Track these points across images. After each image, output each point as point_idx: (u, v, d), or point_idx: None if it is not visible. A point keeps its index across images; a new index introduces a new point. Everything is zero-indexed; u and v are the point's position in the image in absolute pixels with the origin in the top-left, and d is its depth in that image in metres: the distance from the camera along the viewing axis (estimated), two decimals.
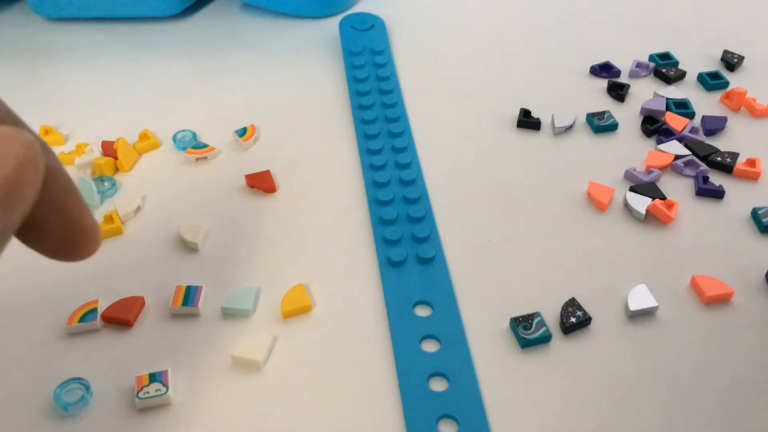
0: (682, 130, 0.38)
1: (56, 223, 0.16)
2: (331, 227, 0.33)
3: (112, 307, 0.29)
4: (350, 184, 0.36)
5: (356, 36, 0.47)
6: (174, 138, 0.38)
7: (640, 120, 0.40)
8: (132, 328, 0.29)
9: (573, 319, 0.28)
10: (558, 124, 0.39)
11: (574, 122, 0.39)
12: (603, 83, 0.43)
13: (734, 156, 0.36)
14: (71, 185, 0.16)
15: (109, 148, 0.37)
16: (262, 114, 0.41)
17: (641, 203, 0.34)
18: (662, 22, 0.49)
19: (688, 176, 0.36)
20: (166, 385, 0.26)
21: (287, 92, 0.43)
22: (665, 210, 0.33)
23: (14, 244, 0.17)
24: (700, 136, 0.38)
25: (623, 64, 0.44)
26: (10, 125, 0.15)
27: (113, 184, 0.36)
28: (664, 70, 0.43)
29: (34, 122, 0.39)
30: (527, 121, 0.39)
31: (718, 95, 0.42)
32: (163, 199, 0.35)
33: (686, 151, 0.37)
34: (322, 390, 0.27)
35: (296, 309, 0.29)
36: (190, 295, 0.29)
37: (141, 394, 0.26)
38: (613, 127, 0.39)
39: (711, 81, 0.42)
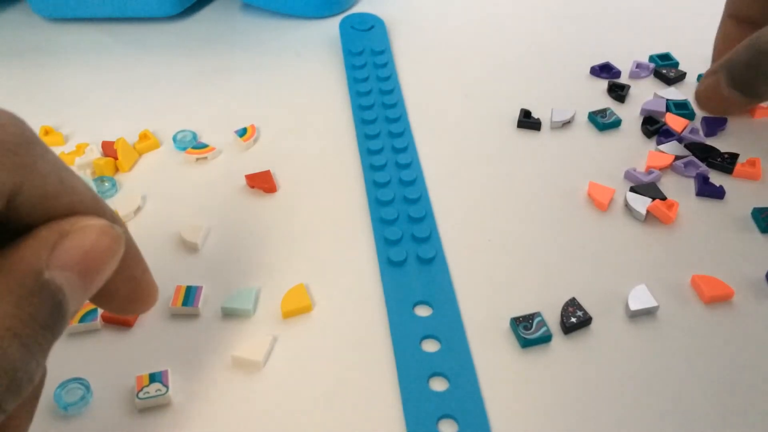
0: (682, 131, 0.38)
1: (123, 288, 0.18)
2: (331, 227, 0.33)
3: None
4: (350, 184, 0.36)
5: (356, 36, 0.47)
6: (174, 138, 0.38)
7: (640, 121, 0.40)
8: (132, 328, 0.29)
9: (573, 319, 0.28)
10: (555, 119, 0.39)
11: (573, 116, 0.39)
12: (603, 84, 0.43)
13: (734, 157, 0.36)
14: (138, 254, 0.18)
15: (109, 148, 0.37)
16: (262, 114, 0.41)
17: (641, 203, 0.34)
18: (662, 23, 0.49)
19: (688, 176, 0.36)
20: (166, 385, 0.26)
21: (287, 92, 0.43)
22: (665, 210, 0.33)
23: None
24: (700, 137, 0.38)
25: (623, 64, 0.44)
26: (98, 211, 0.16)
27: (113, 185, 0.35)
28: (664, 71, 0.43)
29: (34, 122, 0.39)
30: (527, 122, 0.39)
31: None
32: (163, 199, 0.35)
33: (686, 152, 0.37)
34: (322, 390, 0.27)
35: (296, 309, 0.29)
36: (190, 295, 0.29)
37: (141, 394, 0.26)
38: (616, 124, 0.39)
39: None
